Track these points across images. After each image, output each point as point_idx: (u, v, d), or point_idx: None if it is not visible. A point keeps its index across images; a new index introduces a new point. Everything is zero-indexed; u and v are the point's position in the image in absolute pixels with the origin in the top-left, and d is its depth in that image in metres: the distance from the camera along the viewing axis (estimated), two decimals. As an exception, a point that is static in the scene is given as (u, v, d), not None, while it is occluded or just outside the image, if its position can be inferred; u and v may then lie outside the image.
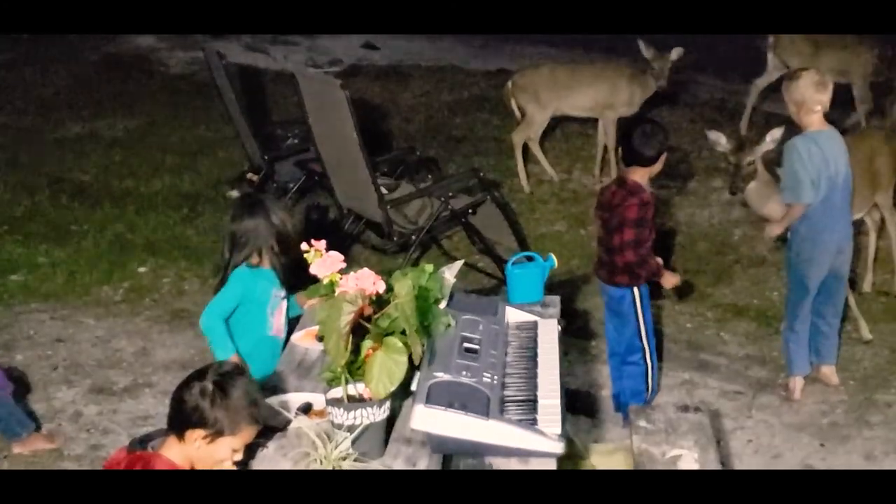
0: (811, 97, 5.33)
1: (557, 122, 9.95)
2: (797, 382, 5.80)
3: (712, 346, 6.34)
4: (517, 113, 8.65)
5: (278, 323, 4.63)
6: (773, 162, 6.01)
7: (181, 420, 3.19)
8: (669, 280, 5.43)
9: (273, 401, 3.54)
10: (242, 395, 3.19)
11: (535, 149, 8.72)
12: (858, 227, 6.43)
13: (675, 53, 8.33)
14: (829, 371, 5.91)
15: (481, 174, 7.40)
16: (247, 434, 3.23)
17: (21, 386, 5.62)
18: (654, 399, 5.50)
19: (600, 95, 8.52)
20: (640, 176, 5.19)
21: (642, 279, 5.28)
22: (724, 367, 6.12)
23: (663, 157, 5.20)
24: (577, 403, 5.62)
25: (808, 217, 5.45)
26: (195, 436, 3.17)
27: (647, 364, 5.40)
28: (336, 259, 3.42)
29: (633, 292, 5.30)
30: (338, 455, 3.17)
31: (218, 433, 3.17)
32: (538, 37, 14.23)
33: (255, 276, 4.55)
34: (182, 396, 3.18)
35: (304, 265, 3.47)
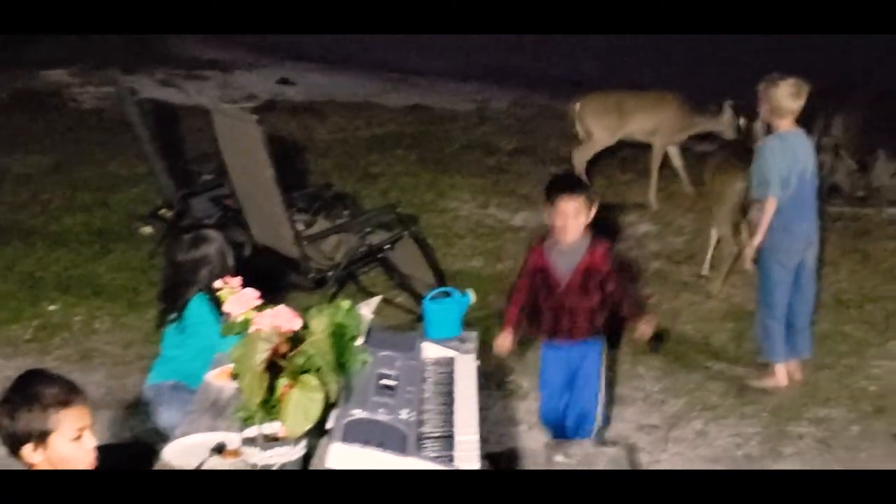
0: (787, 105, 5.79)
1: (474, 157, 10.01)
2: (780, 370, 6.15)
3: (628, 380, 6.38)
4: (581, 135, 8.97)
5: None
6: None
7: (9, 447, 3.11)
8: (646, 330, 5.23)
9: (186, 441, 3.47)
10: (31, 391, 3.08)
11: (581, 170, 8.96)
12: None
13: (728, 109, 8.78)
14: (796, 366, 6.24)
15: (398, 210, 7.39)
16: (71, 417, 3.09)
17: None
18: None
19: (659, 121, 8.89)
20: (576, 213, 4.99)
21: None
22: (640, 401, 6.16)
23: (595, 204, 5.07)
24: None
25: (781, 211, 5.87)
26: (27, 452, 3.08)
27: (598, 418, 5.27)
28: (251, 296, 3.38)
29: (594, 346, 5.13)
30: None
31: (41, 438, 3.06)
32: (456, 73, 14.34)
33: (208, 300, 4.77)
34: None
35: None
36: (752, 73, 6.13)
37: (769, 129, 6.09)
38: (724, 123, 8.84)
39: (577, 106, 8.94)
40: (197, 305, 4.85)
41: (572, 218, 4.89)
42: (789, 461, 5.54)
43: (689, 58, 14.49)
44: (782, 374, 6.17)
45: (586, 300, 4.99)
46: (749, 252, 6.36)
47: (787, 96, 5.77)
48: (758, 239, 6.00)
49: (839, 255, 7.87)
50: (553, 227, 4.97)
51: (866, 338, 6.79)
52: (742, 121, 8.71)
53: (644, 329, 5.16)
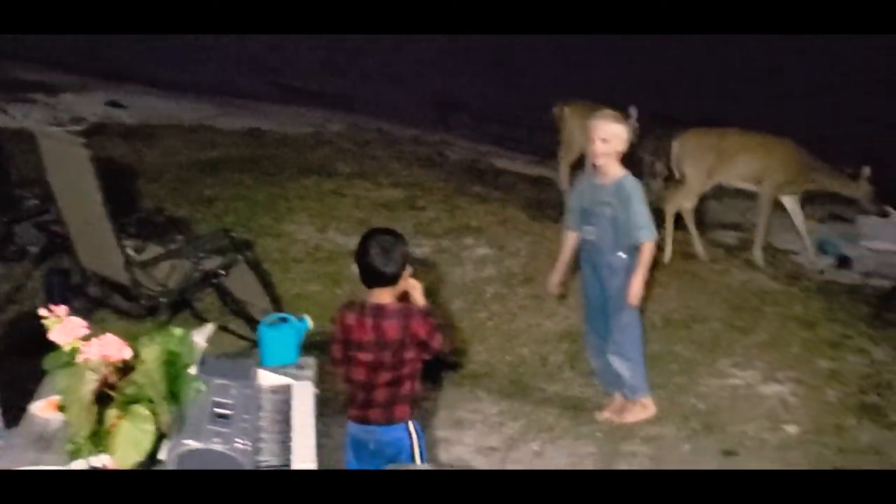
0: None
1: (311, 180, 9.95)
2: (649, 399, 6.25)
3: (467, 402, 6.41)
4: (677, 176, 8.64)
5: None
6: None
7: None
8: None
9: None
10: None
11: (689, 219, 8.61)
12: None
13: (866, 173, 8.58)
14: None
15: (233, 234, 7.26)
16: None
17: None
18: None
19: (766, 167, 8.50)
20: (388, 297, 4.52)
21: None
22: (479, 424, 6.19)
23: (406, 273, 4.55)
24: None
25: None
26: None
27: None
28: (77, 325, 3.26)
29: (409, 428, 4.62)
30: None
31: None
32: (297, 98, 14.25)
33: None
34: None
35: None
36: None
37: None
38: (861, 193, 8.67)
39: (675, 144, 8.62)
40: None
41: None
42: (624, 480, 5.64)
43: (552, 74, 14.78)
44: (650, 402, 6.27)
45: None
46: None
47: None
48: (641, 283, 5.95)
49: (669, 276, 8.09)
50: None
51: (695, 357, 6.99)
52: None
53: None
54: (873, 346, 7.17)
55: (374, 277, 4.49)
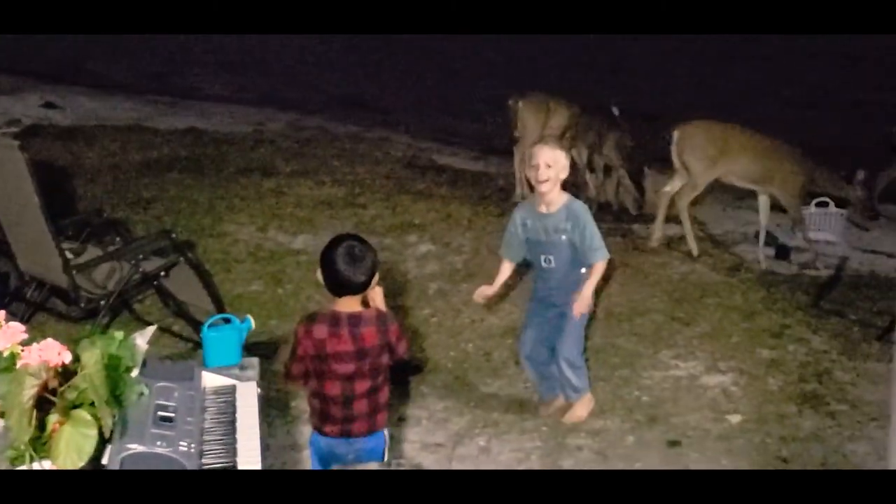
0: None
1: (252, 180, 9.89)
2: (589, 395, 6.24)
3: (413, 399, 6.41)
4: (679, 168, 8.60)
5: None
6: None
7: None
8: None
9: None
10: None
11: (685, 214, 8.65)
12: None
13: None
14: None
15: (173, 235, 7.20)
16: None
17: None
18: None
19: (767, 171, 8.48)
20: (357, 304, 4.43)
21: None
22: (425, 420, 6.19)
23: (376, 279, 4.46)
24: None
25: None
26: None
27: None
28: (16, 330, 3.20)
29: (384, 433, 4.61)
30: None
31: None
32: (230, 96, 14.16)
33: None
34: None
35: None
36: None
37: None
38: (855, 196, 8.83)
39: (676, 134, 8.53)
40: None
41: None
42: (570, 473, 5.68)
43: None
44: (589, 396, 6.27)
45: None
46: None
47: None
48: (590, 300, 6.03)
49: (610, 269, 8.13)
50: None
51: (637, 349, 7.05)
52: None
53: None
54: (812, 334, 7.27)
55: (343, 286, 4.35)
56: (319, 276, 4.43)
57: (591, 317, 7.06)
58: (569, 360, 6.08)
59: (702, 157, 8.45)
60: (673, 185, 8.73)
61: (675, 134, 8.55)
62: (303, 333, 4.40)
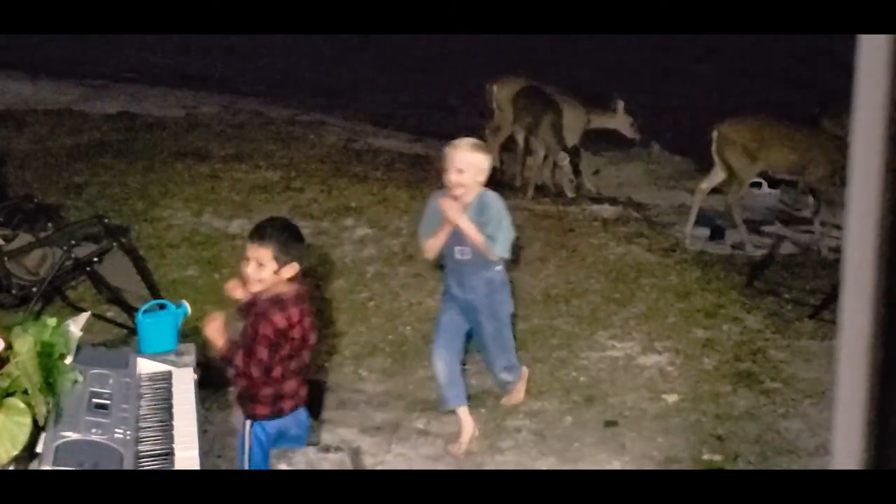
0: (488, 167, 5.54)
1: (185, 164, 9.78)
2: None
3: (351, 383, 6.39)
4: (719, 167, 8.64)
5: None
6: None
7: None
8: None
9: None
10: None
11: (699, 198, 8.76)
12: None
13: None
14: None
15: (106, 220, 7.10)
16: None
17: None
18: None
19: (810, 160, 8.48)
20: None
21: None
22: (363, 405, 6.18)
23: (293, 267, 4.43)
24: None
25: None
26: None
27: None
28: (-55, 317, 3.15)
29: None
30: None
31: None
32: (162, 79, 13.98)
33: None
34: None
35: None
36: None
37: None
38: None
39: (714, 134, 8.59)
40: None
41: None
42: (508, 455, 5.70)
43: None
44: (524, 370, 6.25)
45: None
46: None
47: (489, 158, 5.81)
48: None
49: (548, 251, 8.18)
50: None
51: (574, 331, 7.08)
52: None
53: None
54: (746, 314, 7.36)
55: (288, 252, 4.38)
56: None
57: (530, 298, 7.10)
58: (507, 367, 6.02)
59: (742, 154, 8.56)
60: (709, 182, 8.83)
61: (714, 134, 8.68)
62: (281, 322, 4.34)
